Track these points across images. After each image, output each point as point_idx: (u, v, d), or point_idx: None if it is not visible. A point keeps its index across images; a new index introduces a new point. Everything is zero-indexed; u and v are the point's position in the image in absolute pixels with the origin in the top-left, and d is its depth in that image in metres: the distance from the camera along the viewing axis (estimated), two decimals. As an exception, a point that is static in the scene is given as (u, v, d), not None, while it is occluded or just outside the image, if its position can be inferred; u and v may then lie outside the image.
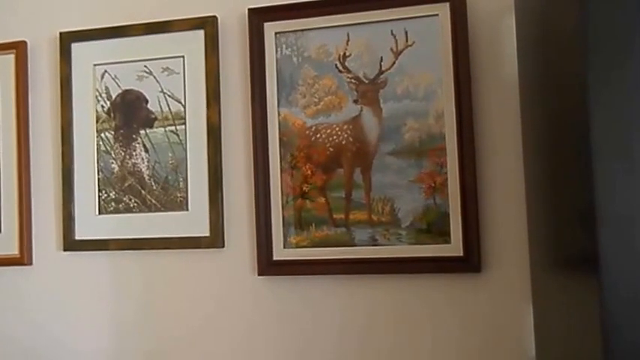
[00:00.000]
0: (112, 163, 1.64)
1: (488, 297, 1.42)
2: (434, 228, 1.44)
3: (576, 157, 0.90)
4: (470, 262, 1.41)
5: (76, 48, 1.67)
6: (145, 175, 1.62)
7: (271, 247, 1.52)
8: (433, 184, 1.45)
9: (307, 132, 1.52)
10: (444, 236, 1.43)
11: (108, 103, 1.65)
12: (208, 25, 1.58)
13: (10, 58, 1.71)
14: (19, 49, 1.70)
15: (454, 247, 1.42)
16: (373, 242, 1.47)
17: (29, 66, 1.71)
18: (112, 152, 1.64)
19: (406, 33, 1.47)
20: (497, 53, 1.45)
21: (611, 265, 0.81)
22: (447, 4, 1.43)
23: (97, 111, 1.66)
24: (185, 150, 1.59)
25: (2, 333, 1.71)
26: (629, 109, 0.81)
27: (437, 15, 1.45)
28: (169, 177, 1.60)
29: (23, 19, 1.74)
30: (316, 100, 1.52)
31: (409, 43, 1.47)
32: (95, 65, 1.66)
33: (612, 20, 0.83)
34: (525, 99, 1.35)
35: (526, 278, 1.38)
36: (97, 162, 1.65)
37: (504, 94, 1.43)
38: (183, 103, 1.60)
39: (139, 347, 1.62)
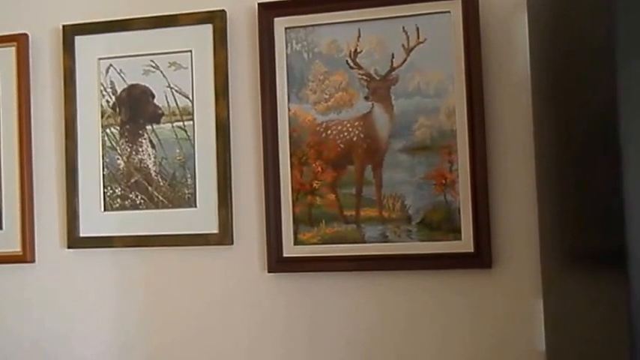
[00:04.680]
0: (118, 158, 1.62)
1: (499, 293, 1.43)
2: (445, 224, 1.44)
3: (602, 151, 0.90)
4: (481, 258, 1.42)
5: (80, 41, 1.63)
6: (151, 172, 1.60)
7: (281, 244, 1.51)
8: (444, 181, 1.45)
9: (318, 128, 1.52)
10: (454, 232, 1.43)
11: (113, 97, 1.62)
12: (217, 19, 1.56)
13: (11, 51, 1.66)
14: (20, 42, 1.66)
15: (465, 244, 1.43)
16: (384, 239, 1.47)
17: (31, 60, 1.67)
18: (118, 148, 1.62)
19: (418, 29, 1.46)
20: (509, 50, 1.45)
21: (640, 261, 0.81)
22: (459, 1, 1.43)
23: (101, 106, 1.63)
24: (193, 146, 1.57)
25: (5, 331, 1.68)
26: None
27: (449, 12, 1.44)
28: (177, 173, 1.58)
29: (24, 11, 1.70)
30: (327, 96, 1.51)
31: (421, 39, 1.46)
32: (100, 59, 1.63)
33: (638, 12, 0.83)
34: (537, 95, 1.35)
35: (537, 274, 1.40)
36: (103, 158, 1.62)
37: (516, 90, 1.44)
38: (190, 98, 1.58)
39: (144, 346, 1.60)
